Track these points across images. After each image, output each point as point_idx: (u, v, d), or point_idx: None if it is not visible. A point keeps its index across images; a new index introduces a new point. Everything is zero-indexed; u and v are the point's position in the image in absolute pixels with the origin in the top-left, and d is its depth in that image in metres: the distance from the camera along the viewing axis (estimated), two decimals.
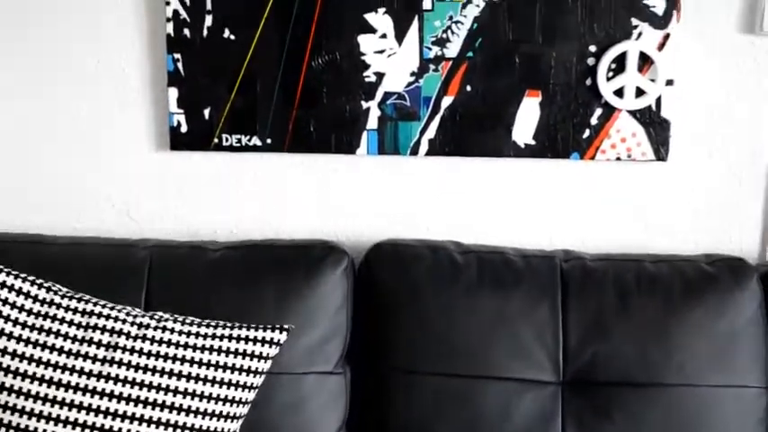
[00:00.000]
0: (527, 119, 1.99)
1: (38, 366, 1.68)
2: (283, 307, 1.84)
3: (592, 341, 1.81)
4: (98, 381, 1.66)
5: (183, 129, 2.03)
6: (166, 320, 1.74)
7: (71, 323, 1.72)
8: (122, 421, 1.65)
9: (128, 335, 1.70)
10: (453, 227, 2.07)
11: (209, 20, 1.97)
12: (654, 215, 2.05)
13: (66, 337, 1.70)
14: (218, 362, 1.71)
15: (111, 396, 1.66)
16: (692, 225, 2.05)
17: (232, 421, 1.70)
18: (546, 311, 1.83)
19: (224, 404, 1.69)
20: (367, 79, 1.99)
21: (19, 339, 1.69)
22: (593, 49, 1.94)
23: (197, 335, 1.72)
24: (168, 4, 1.96)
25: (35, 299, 1.73)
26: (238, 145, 2.04)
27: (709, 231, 2.05)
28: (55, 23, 2.02)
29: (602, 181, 2.04)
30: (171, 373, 1.68)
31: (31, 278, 1.75)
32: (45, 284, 1.76)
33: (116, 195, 2.11)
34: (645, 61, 1.94)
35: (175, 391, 1.67)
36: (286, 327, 1.76)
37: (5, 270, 1.75)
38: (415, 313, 1.86)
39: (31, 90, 2.07)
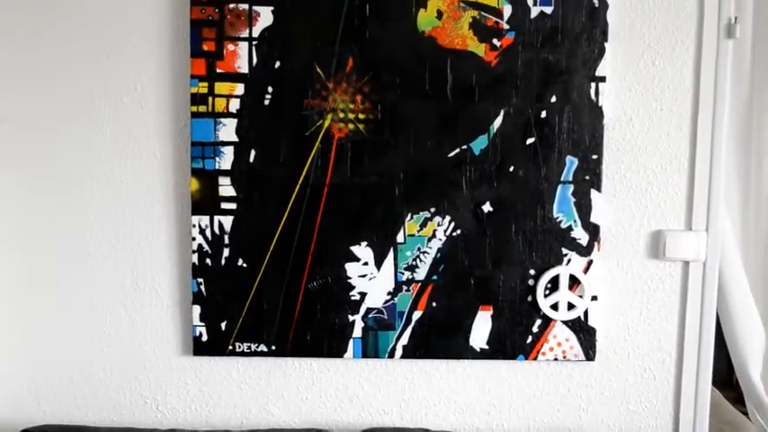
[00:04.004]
0: (481, 328, 2.20)
1: None
2: None
3: None
4: None
5: (204, 338, 2.22)
6: None
7: None
8: None
9: None
10: (423, 416, 2.27)
11: (226, 251, 2.19)
12: (586, 405, 2.25)
13: None
14: None
15: None
16: (617, 412, 2.25)
17: None
18: None
19: None
20: (353, 298, 2.20)
21: None
22: (532, 272, 2.18)
23: None
24: (194, 239, 2.19)
25: None
26: (249, 351, 2.22)
27: (630, 418, 2.25)
28: (103, 251, 2.24)
29: (543, 377, 2.25)
30: None
31: None
32: None
33: (147, 392, 2.29)
34: (574, 282, 2.18)
35: None
36: None
37: None
38: None
39: (78, 306, 2.26)
